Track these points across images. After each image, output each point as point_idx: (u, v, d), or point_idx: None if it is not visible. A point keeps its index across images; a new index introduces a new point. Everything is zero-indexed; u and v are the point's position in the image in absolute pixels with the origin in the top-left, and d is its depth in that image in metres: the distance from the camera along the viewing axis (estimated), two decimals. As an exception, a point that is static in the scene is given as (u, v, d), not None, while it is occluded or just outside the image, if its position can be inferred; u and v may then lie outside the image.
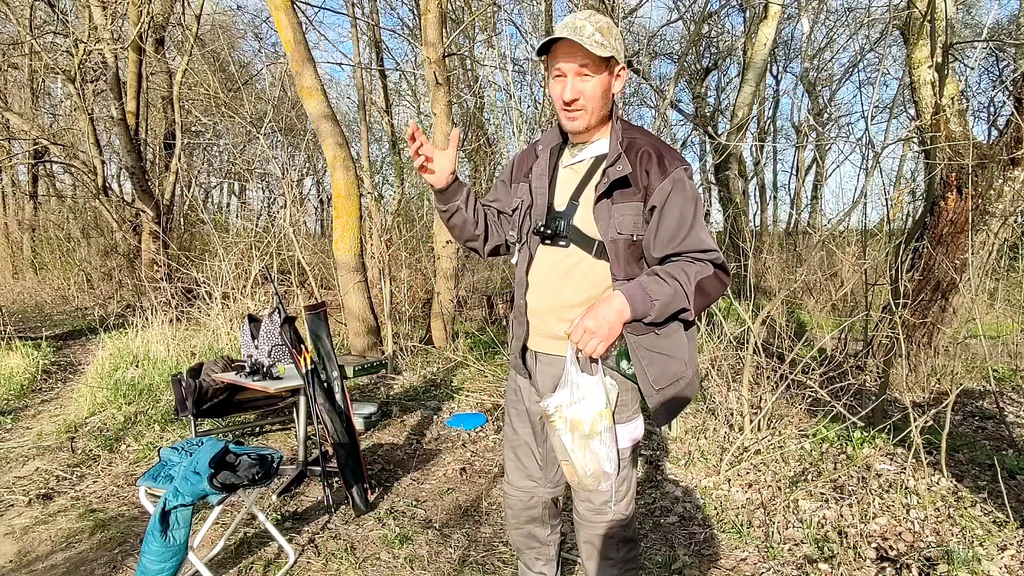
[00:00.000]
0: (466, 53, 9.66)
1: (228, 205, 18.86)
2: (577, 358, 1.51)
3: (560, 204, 1.66)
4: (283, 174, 8.78)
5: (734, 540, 2.64)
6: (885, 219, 6.39)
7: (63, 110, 12.61)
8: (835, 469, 3.16)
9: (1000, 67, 12.44)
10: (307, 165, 15.63)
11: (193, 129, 11.83)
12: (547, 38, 1.53)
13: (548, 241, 1.65)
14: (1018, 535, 2.52)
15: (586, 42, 1.48)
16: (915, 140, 6.55)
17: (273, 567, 2.46)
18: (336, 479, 3.13)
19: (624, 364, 1.58)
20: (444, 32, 6.28)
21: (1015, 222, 4.37)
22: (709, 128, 11.60)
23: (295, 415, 3.60)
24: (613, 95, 1.63)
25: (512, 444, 1.87)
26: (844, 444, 3.42)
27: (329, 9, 21.58)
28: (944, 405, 2.99)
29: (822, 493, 2.93)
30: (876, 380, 4.57)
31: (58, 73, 9.14)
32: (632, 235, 1.56)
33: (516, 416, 1.85)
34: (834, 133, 15.60)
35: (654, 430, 3.84)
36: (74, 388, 5.03)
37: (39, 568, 2.48)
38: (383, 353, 6.06)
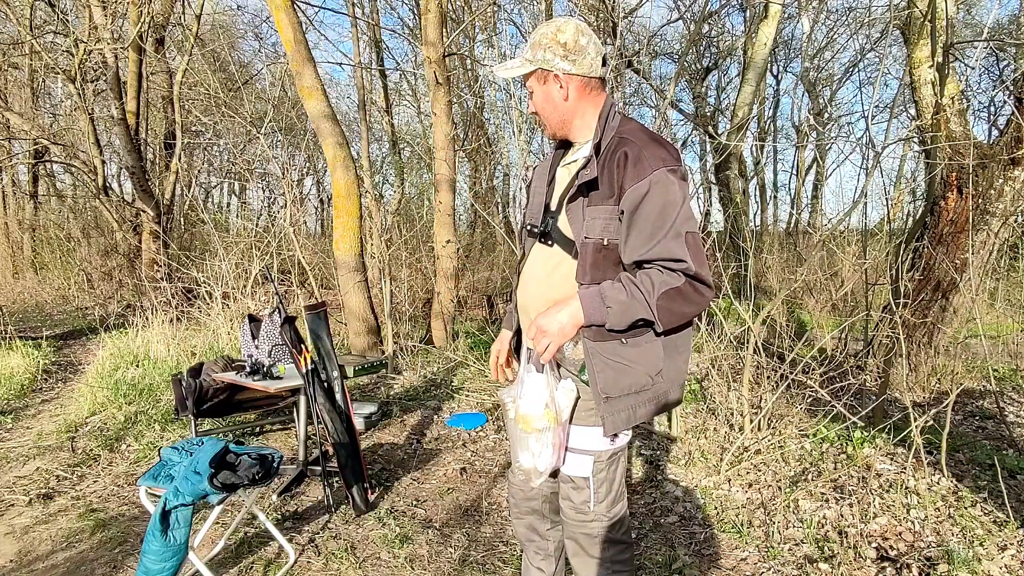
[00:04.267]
0: (466, 53, 9.65)
1: (228, 205, 18.87)
2: (538, 359, 1.54)
3: (554, 203, 1.69)
4: (283, 174, 8.78)
5: (734, 540, 2.64)
6: (885, 219, 6.39)
7: (63, 110, 12.61)
8: (835, 469, 3.16)
9: (1000, 67, 12.43)
10: (307, 165, 15.62)
11: (193, 129, 11.84)
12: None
13: (541, 240, 1.69)
14: (1018, 535, 2.52)
15: (498, 71, 1.66)
16: (915, 140, 6.54)
17: (273, 567, 2.46)
18: (336, 479, 3.13)
19: (581, 374, 1.58)
20: (444, 32, 6.28)
21: (1015, 222, 4.37)
22: (709, 128, 11.59)
23: (295, 415, 3.60)
24: (574, 99, 1.62)
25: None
26: (844, 444, 3.42)
27: (329, 9, 21.60)
28: (944, 405, 2.99)
29: (822, 493, 2.93)
30: (876, 380, 4.57)
31: (58, 73, 9.14)
32: (603, 239, 1.51)
33: None
34: (834, 133, 15.60)
35: (655, 430, 3.84)
36: (74, 388, 5.03)
37: (39, 568, 2.48)
38: (383, 353, 6.06)
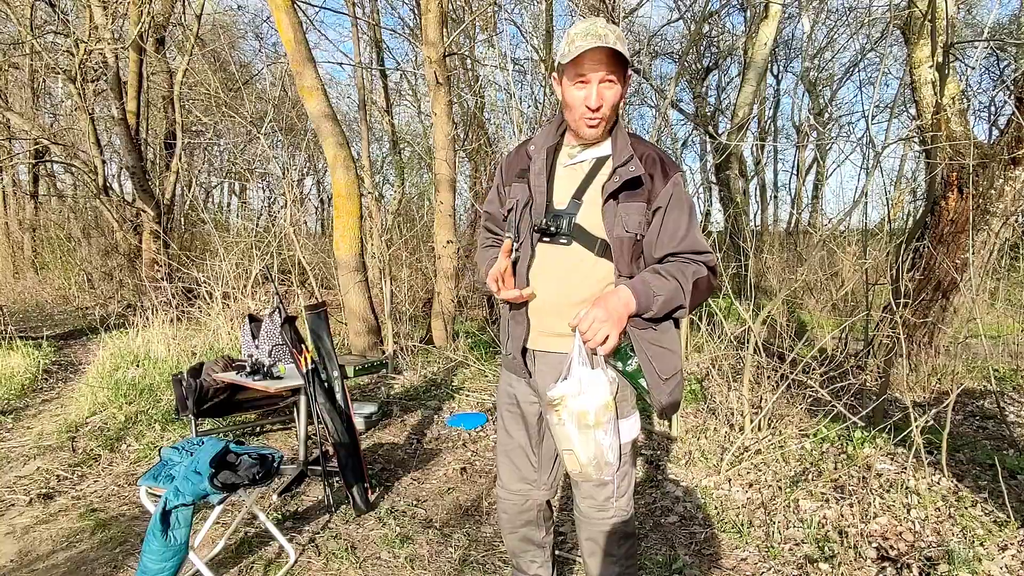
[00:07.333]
0: (466, 53, 9.65)
1: (228, 205, 18.84)
2: (591, 353, 1.53)
3: (560, 202, 1.66)
4: (283, 174, 8.79)
5: (734, 540, 2.64)
6: (886, 219, 6.39)
7: (64, 110, 12.61)
8: (835, 469, 3.16)
9: (1001, 66, 12.43)
10: (307, 165, 15.61)
11: (194, 129, 11.83)
12: (585, 46, 1.49)
13: (548, 239, 1.65)
14: (1019, 535, 2.52)
15: (620, 48, 1.50)
16: (916, 140, 6.54)
17: (274, 567, 2.46)
18: (337, 479, 3.13)
19: (620, 364, 1.59)
20: (445, 32, 6.28)
21: (1016, 222, 4.37)
22: (710, 128, 11.59)
23: (295, 415, 3.60)
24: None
25: (506, 448, 1.87)
26: (844, 444, 3.42)
27: (330, 9, 21.51)
28: (945, 405, 2.99)
29: (822, 493, 2.93)
30: (877, 380, 4.57)
31: (59, 73, 9.14)
32: (636, 234, 1.60)
33: (510, 419, 1.84)
34: (835, 133, 15.59)
35: (654, 430, 3.84)
36: (75, 388, 5.03)
37: (40, 568, 2.48)
38: (384, 353, 6.06)
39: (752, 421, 3.48)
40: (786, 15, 11.40)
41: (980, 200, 4.21)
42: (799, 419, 3.73)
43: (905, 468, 3.05)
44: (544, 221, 1.64)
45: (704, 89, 14.12)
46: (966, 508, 2.75)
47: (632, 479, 1.76)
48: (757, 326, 3.65)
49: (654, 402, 1.61)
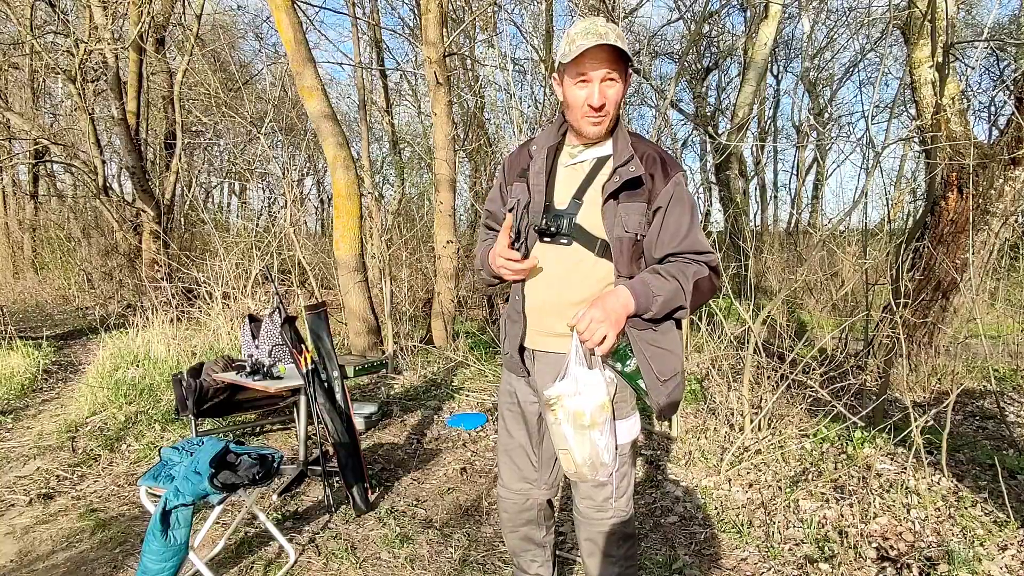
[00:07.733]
0: (466, 53, 9.65)
1: (228, 205, 18.85)
2: (589, 353, 1.52)
3: (561, 202, 1.66)
4: (283, 174, 8.79)
5: (734, 540, 2.64)
6: (886, 219, 6.39)
7: (64, 110, 12.61)
8: (835, 469, 3.16)
9: (1001, 67, 12.43)
10: (307, 165, 15.60)
11: (194, 129, 11.83)
12: (586, 44, 1.49)
13: (548, 239, 1.65)
14: (1018, 535, 2.52)
15: (621, 45, 1.50)
16: (916, 140, 6.54)
17: (274, 567, 2.46)
18: (337, 479, 3.13)
19: (618, 364, 1.59)
20: (445, 32, 6.28)
21: (1016, 222, 4.37)
22: (709, 128, 11.59)
23: (295, 415, 3.60)
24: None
25: (506, 447, 1.87)
26: (844, 444, 3.42)
27: (330, 9, 21.54)
28: (945, 405, 2.99)
29: (822, 493, 2.93)
30: (877, 380, 4.57)
31: (59, 73, 9.15)
32: (636, 234, 1.59)
33: (511, 418, 1.84)
34: (835, 133, 15.60)
35: (654, 430, 3.84)
36: (75, 388, 5.03)
37: (40, 568, 2.48)
38: (383, 353, 6.06)
39: (752, 421, 3.48)
40: (786, 15, 11.41)
41: (980, 200, 4.21)
42: (799, 419, 3.73)
43: (905, 468, 3.05)
44: (544, 221, 1.64)
45: (704, 89, 14.13)
46: (966, 508, 2.75)
47: (632, 480, 1.76)
48: (757, 326, 3.66)
49: (652, 403, 1.60)
